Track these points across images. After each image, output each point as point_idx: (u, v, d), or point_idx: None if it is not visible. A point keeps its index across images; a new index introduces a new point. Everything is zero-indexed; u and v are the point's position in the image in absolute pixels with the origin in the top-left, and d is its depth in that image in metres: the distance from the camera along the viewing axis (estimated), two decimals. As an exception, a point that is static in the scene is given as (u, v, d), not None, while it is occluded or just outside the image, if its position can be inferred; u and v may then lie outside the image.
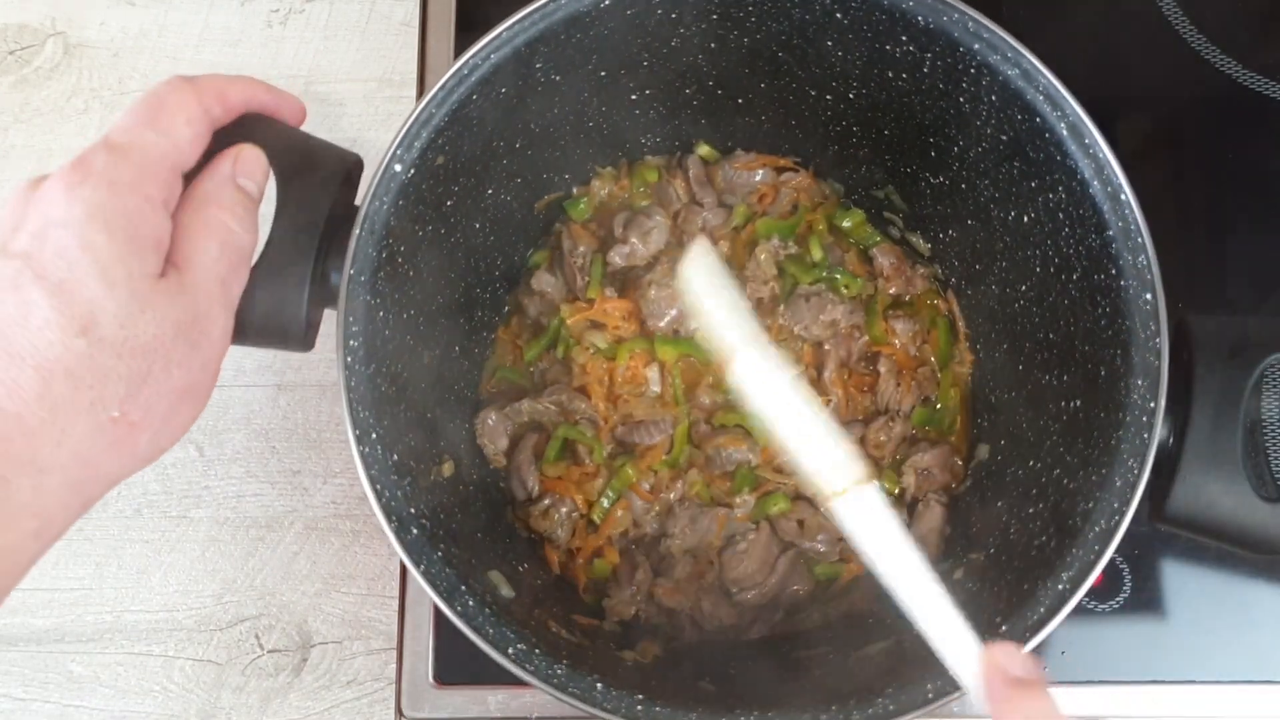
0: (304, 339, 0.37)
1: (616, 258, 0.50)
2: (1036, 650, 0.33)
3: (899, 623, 0.44)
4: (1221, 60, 0.57)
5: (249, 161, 0.35)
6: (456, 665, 0.49)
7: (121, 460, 0.32)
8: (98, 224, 0.30)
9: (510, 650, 0.36)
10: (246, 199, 0.35)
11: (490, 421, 0.48)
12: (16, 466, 0.30)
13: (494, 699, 0.49)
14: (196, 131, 0.34)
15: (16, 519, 0.30)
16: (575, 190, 0.52)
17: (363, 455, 0.37)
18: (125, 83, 0.62)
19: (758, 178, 0.52)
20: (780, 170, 0.52)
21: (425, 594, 0.49)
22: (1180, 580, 0.49)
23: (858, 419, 0.50)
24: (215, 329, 0.34)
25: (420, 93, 0.59)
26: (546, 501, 0.47)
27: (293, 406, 0.56)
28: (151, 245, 0.32)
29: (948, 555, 0.46)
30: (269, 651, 0.53)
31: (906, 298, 0.51)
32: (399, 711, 0.50)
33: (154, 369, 0.32)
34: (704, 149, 0.52)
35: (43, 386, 0.29)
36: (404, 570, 0.52)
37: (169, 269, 0.33)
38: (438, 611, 0.49)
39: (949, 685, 0.35)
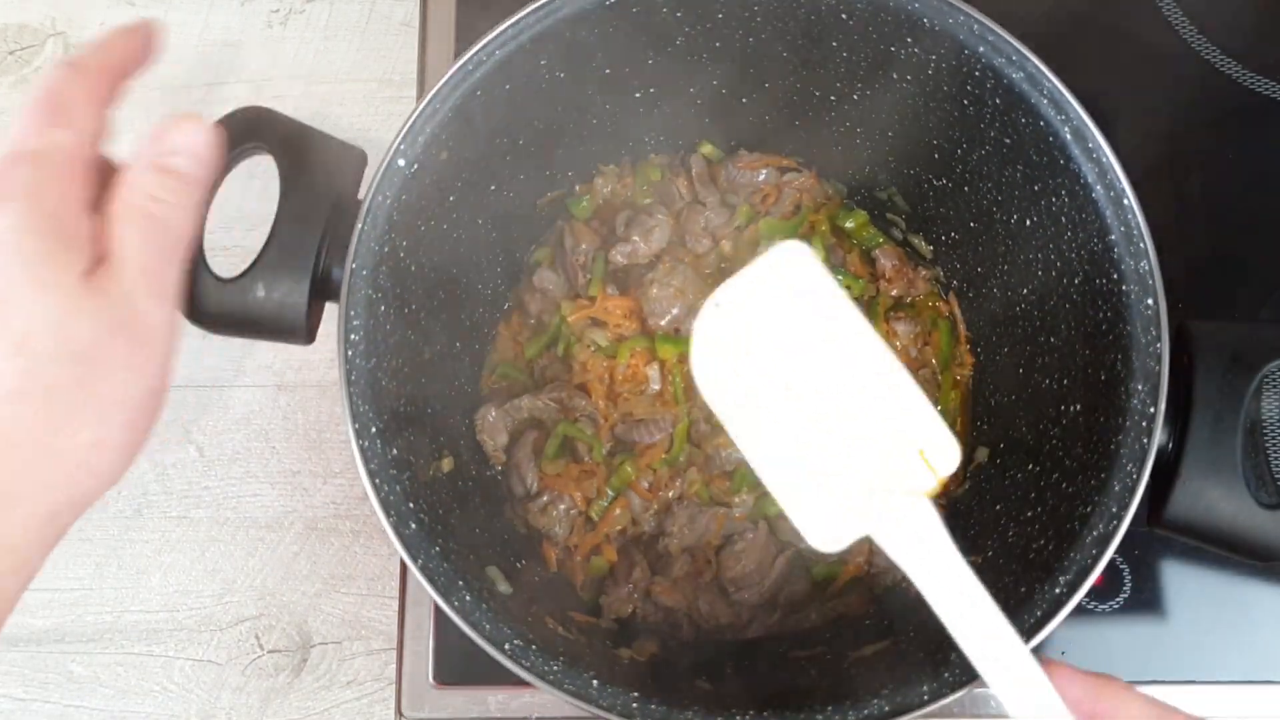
0: (305, 333, 0.37)
1: (618, 256, 0.50)
2: (1036, 651, 0.33)
3: (895, 624, 0.44)
4: (1221, 60, 0.57)
5: (171, 138, 0.33)
6: (456, 665, 0.49)
7: (89, 481, 0.31)
8: (26, 238, 0.29)
9: (507, 646, 0.36)
10: (171, 178, 0.33)
11: (490, 418, 0.48)
12: None
13: (494, 699, 0.49)
14: (99, 116, 0.32)
15: None
16: (578, 188, 0.52)
17: (362, 450, 0.37)
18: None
19: (761, 177, 0.52)
20: (783, 170, 0.52)
21: (425, 594, 0.49)
22: (1180, 580, 0.49)
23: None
24: (153, 320, 0.32)
25: (420, 93, 0.59)
26: (545, 498, 0.47)
27: (293, 406, 0.56)
28: (77, 247, 0.30)
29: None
30: (269, 652, 0.53)
31: (908, 300, 0.51)
32: (399, 711, 0.50)
33: (99, 373, 0.30)
34: (707, 148, 0.52)
35: None
36: (404, 570, 0.52)
37: (97, 266, 0.31)
38: (438, 612, 0.49)
39: (944, 687, 0.36)
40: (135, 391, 0.31)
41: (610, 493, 0.47)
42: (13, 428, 0.29)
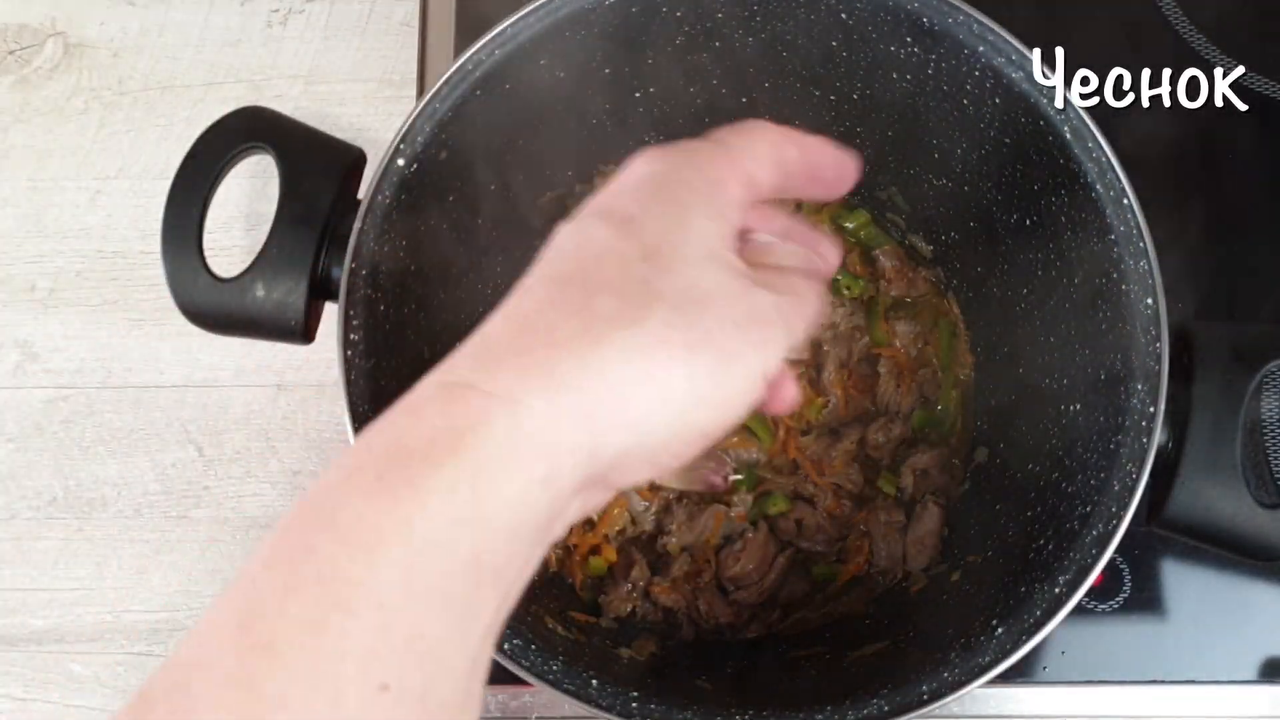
0: (304, 332, 0.37)
1: None
2: (1036, 650, 0.33)
3: (895, 624, 0.44)
4: (1222, 60, 0.57)
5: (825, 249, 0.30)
6: (456, 665, 0.49)
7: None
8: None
9: (505, 645, 0.36)
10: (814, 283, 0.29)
11: None
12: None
13: (494, 699, 0.49)
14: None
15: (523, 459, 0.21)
16: (578, 188, 0.52)
17: None
18: (125, 83, 0.62)
19: None
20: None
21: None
22: (1180, 580, 0.49)
23: (856, 420, 0.50)
24: (789, 329, 0.27)
25: (420, 93, 0.59)
26: None
27: (293, 406, 0.56)
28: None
29: (945, 557, 0.46)
30: (269, 651, 0.53)
31: (908, 299, 0.51)
32: (399, 711, 0.50)
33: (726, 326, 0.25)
34: None
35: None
36: (404, 570, 0.52)
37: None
38: (437, 611, 0.49)
39: (944, 687, 0.35)
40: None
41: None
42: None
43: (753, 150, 0.28)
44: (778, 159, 0.28)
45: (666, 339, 0.23)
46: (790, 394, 0.29)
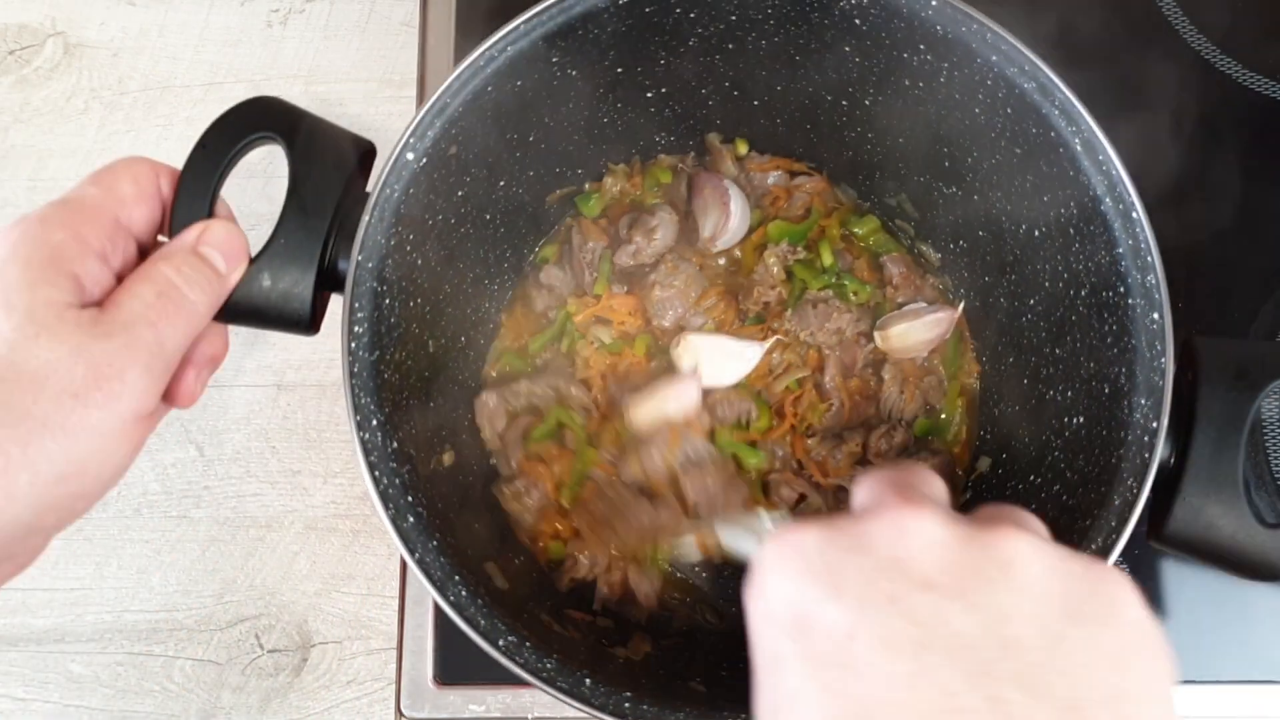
0: (310, 323, 0.37)
1: (624, 258, 0.50)
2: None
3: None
4: (1221, 60, 0.57)
5: (215, 233, 0.34)
6: (456, 665, 0.49)
7: None
8: (18, 256, 0.29)
9: (501, 642, 0.36)
10: (204, 265, 0.33)
11: (490, 404, 0.48)
12: None
13: (494, 699, 0.49)
14: (141, 190, 0.33)
15: None
16: (587, 186, 0.52)
17: (363, 441, 0.37)
18: (125, 83, 0.61)
19: (771, 180, 0.51)
20: (794, 174, 0.52)
21: (426, 594, 0.49)
22: (1180, 580, 0.49)
23: (861, 424, 0.49)
24: (130, 375, 0.30)
25: (420, 92, 0.59)
26: (519, 484, 0.47)
27: (293, 406, 0.56)
28: (69, 278, 0.30)
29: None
30: (269, 651, 0.53)
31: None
32: (399, 711, 0.50)
33: (43, 400, 0.28)
34: (742, 147, 0.51)
35: None
36: (404, 569, 0.52)
37: (92, 308, 0.30)
38: (438, 611, 0.49)
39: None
40: (85, 433, 0.29)
41: (578, 473, 0.47)
42: None
43: None
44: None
45: None
46: None
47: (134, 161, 0.34)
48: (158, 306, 0.31)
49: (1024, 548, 0.23)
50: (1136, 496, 0.36)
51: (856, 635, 0.21)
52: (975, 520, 0.24)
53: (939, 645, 0.21)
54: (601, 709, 0.36)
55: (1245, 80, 0.56)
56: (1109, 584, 0.23)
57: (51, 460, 0.29)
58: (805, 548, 0.23)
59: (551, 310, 0.51)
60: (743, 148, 0.52)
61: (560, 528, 0.47)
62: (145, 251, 0.34)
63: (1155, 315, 0.37)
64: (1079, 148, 0.38)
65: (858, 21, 0.41)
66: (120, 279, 0.32)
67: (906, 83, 0.42)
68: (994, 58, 0.39)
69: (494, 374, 0.51)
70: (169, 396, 0.36)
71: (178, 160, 0.35)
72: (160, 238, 0.35)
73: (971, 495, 0.48)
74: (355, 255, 0.37)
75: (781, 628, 0.23)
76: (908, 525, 0.23)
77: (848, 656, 0.21)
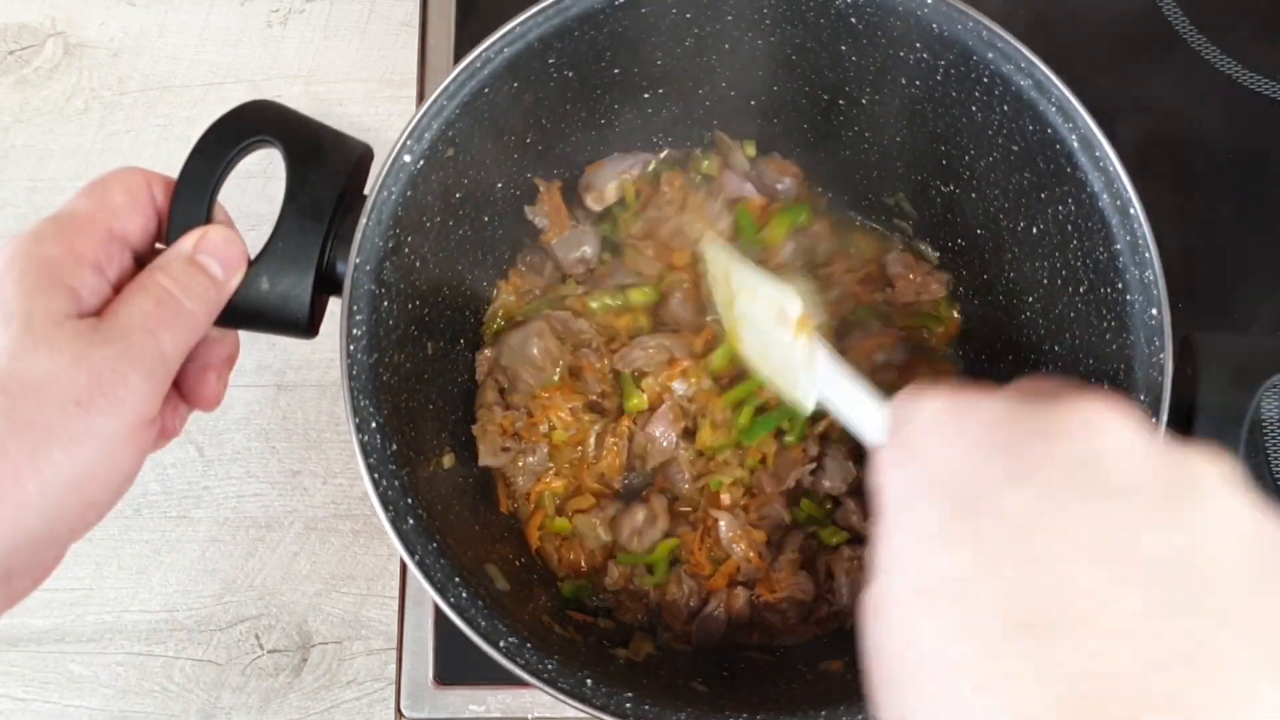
0: (308, 326, 0.37)
1: (590, 202, 0.49)
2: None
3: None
4: (1221, 60, 0.57)
5: (213, 239, 0.34)
6: (456, 665, 0.49)
7: (3, 506, 0.28)
8: (13, 270, 0.29)
9: (502, 643, 0.36)
10: (201, 273, 0.33)
11: (489, 354, 0.48)
12: None
13: (494, 699, 0.49)
14: (135, 200, 0.33)
15: None
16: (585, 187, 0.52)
17: (362, 444, 0.37)
18: (125, 83, 0.62)
19: (781, 187, 0.51)
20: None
21: (426, 594, 0.49)
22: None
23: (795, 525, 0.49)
24: (133, 379, 0.30)
25: (420, 92, 0.59)
26: (517, 447, 0.47)
27: (293, 406, 0.56)
28: (65, 290, 0.30)
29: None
30: (269, 651, 0.53)
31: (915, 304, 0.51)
32: (399, 711, 0.50)
33: (48, 409, 0.28)
34: (750, 148, 0.51)
35: None
36: (404, 570, 0.52)
37: (90, 318, 0.30)
38: (438, 611, 0.49)
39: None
40: (91, 440, 0.29)
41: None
42: None
43: None
44: None
45: None
46: None
47: (126, 172, 0.34)
48: (156, 315, 0.31)
49: (1222, 479, 0.21)
50: (1136, 493, 0.36)
51: (1041, 530, 0.19)
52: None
53: (1135, 560, 0.19)
54: (603, 709, 0.36)
55: (1245, 80, 0.56)
56: None
57: (59, 469, 0.29)
58: (984, 417, 0.21)
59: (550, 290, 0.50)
60: (751, 149, 0.51)
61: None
62: (142, 261, 0.34)
63: (1154, 311, 0.37)
64: (1076, 144, 0.38)
65: (854, 20, 0.41)
66: (117, 289, 0.32)
67: (903, 81, 0.42)
68: (991, 55, 0.39)
69: (492, 331, 0.50)
70: (194, 400, 0.36)
71: (177, 161, 0.35)
72: (158, 245, 0.35)
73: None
74: (353, 258, 0.37)
75: (940, 501, 0.21)
76: (1104, 423, 0.21)
77: (1035, 550, 0.19)
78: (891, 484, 0.23)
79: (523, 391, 0.48)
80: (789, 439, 0.47)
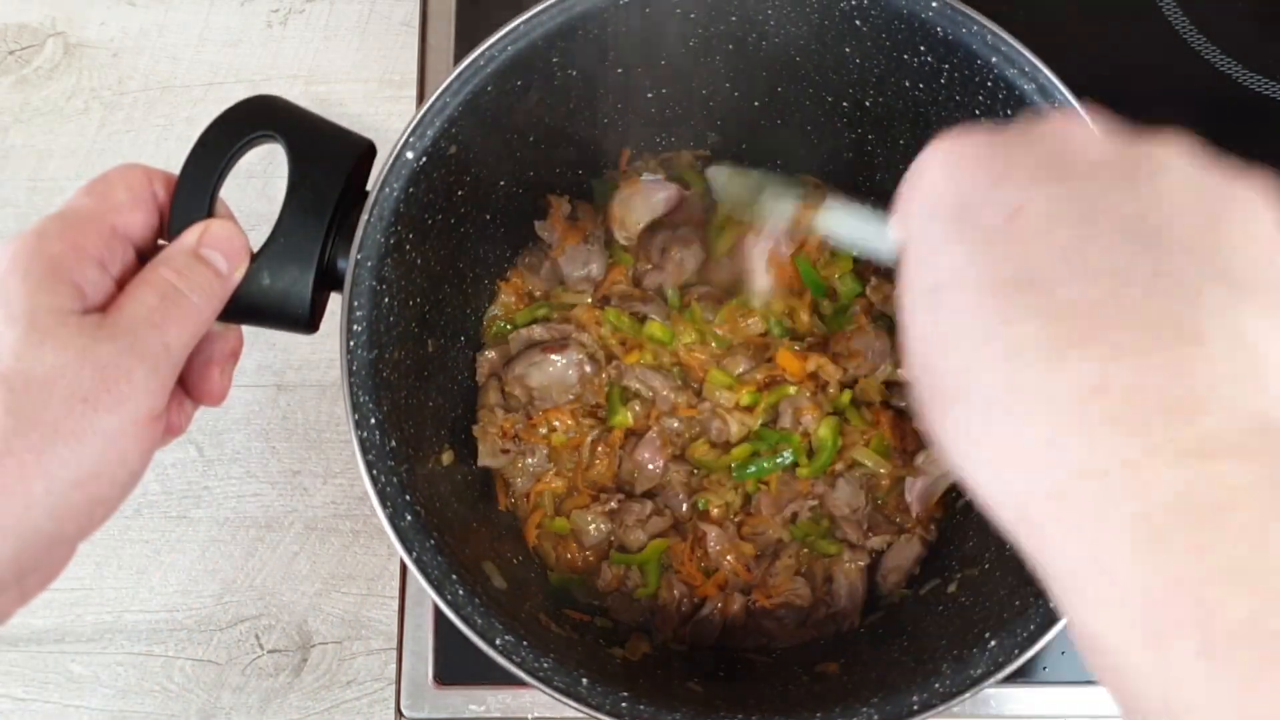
0: (309, 322, 0.37)
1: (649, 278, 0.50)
2: (1028, 664, 0.33)
3: (888, 635, 0.44)
4: (1221, 60, 0.57)
5: (215, 233, 0.34)
6: (456, 665, 0.49)
7: (10, 504, 0.28)
8: (17, 268, 0.29)
9: (498, 641, 0.36)
10: (205, 267, 0.33)
11: (490, 356, 0.48)
12: None
13: (494, 699, 0.49)
14: (136, 196, 0.33)
15: None
16: (594, 184, 0.52)
17: (361, 440, 0.37)
18: (125, 83, 0.61)
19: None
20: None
21: (425, 594, 0.49)
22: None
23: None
24: (138, 375, 0.30)
25: (420, 92, 0.59)
26: (513, 447, 0.47)
27: (293, 406, 0.56)
28: (70, 286, 0.30)
29: (942, 570, 0.46)
30: (269, 651, 0.53)
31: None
32: (399, 711, 0.50)
33: (53, 406, 0.28)
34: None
35: None
36: (404, 570, 0.52)
37: (95, 314, 0.30)
38: (438, 611, 0.49)
39: (933, 697, 0.36)
40: (95, 436, 0.29)
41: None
42: None
43: None
44: None
45: None
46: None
47: (127, 169, 0.34)
48: (161, 309, 0.31)
49: (1178, 153, 0.24)
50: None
51: (1024, 210, 0.22)
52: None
53: (1105, 220, 0.22)
54: (598, 709, 0.36)
55: (1245, 80, 0.56)
56: (1251, 201, 0.23)
57: (66, 466, 0.29)
58: (974, 143, 0.24)
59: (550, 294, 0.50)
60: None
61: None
62: (145, 257, 0.34)
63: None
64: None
65: (858, 23, 0.41)
66: (121, 285, 0.32)
67: (907, 84, 0.42)
68: (994, 59, 0.39)
69: (490, 334, 0.51)
70: (200, 396, 0.36)
71: (178, 161, 0.35)
72: (160, 241, 0.35)
73: (968, 499, 0.48)
74: (354, 254, 0.37)
75: (942, 219, 0.24)
76: (1072, 127, 0.24)
77: (1014, 229, 0.22)
78: (906, 219, 0.26)
79: (540, 405, 0.48)
80: (802, 471, 0.47)
